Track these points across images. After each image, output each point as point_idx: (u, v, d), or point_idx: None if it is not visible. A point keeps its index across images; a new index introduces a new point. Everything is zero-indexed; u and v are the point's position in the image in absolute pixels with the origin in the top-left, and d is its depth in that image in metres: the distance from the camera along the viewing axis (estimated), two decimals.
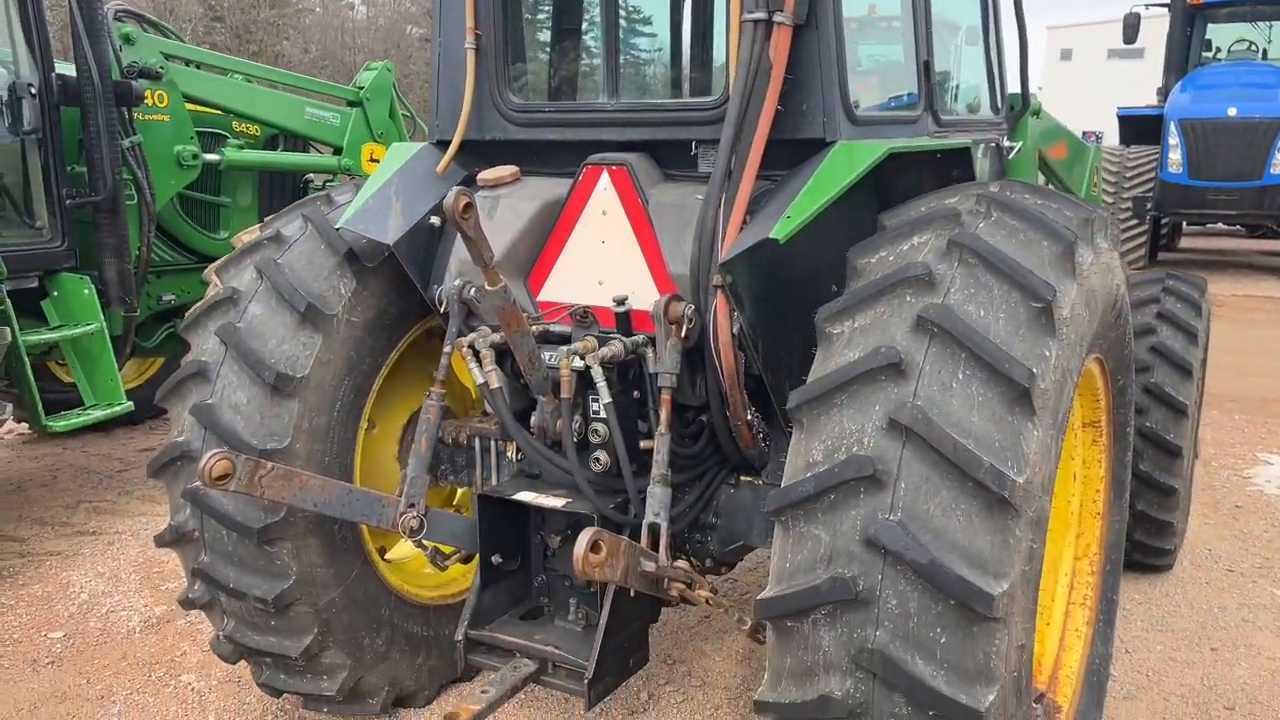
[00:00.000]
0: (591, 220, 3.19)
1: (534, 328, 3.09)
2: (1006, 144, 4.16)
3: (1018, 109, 4.34)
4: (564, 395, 2.91)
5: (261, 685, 3.63)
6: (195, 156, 6.29)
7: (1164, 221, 19.31)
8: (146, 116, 6.02)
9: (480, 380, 3.05)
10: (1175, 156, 17.27)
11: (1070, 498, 3.41)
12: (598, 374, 2.89)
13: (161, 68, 6.03)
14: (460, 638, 3.14)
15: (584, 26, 3.46)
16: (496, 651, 3.14)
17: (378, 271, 3.41)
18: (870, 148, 2.76)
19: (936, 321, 2.34)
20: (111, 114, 5.48)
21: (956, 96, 4.10)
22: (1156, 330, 4.81)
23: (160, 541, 3.44)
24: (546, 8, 3.51)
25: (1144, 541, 4.90)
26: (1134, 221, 18.02)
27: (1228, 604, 4.84)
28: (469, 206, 2.59)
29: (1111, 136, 21.82)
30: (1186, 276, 5.20)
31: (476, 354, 3.07)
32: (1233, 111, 16.13)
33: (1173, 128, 17.17)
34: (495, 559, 3.19)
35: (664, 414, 2.86)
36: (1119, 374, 3.20)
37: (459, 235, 3.27)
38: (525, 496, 3.12)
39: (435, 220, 3.34)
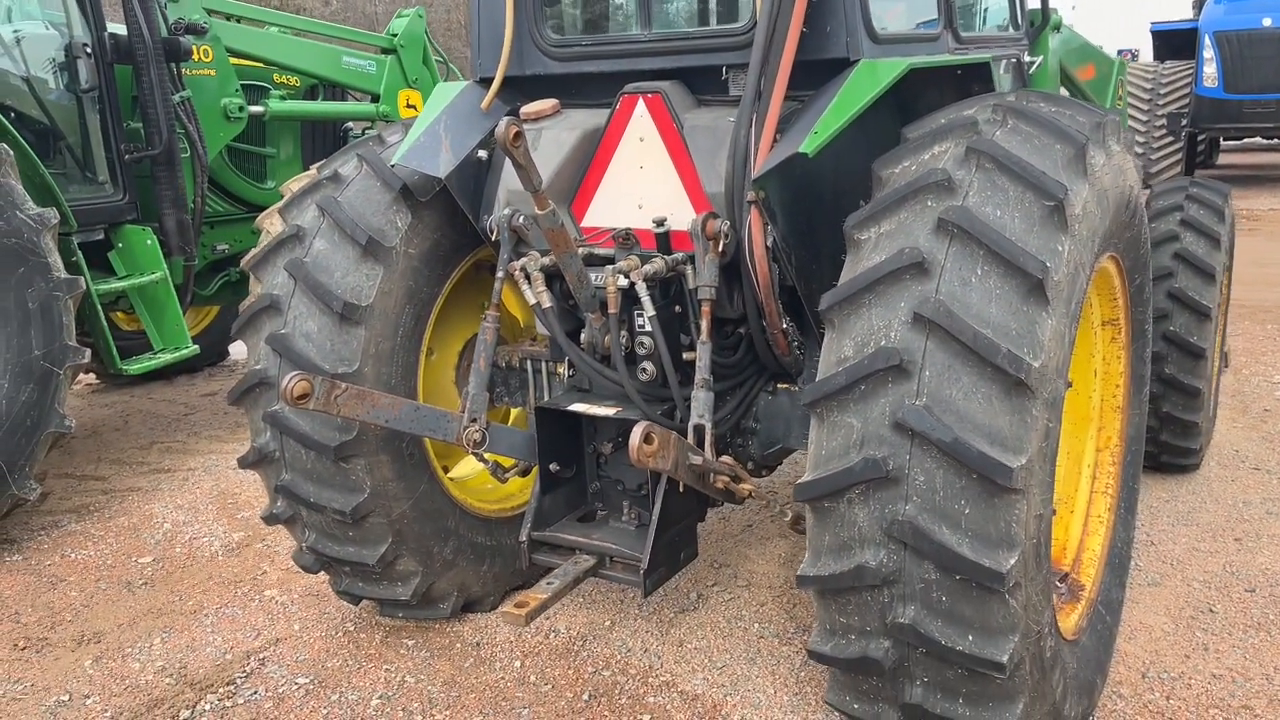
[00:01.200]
0: (630, 146, 3.38)
1: (580, 250, 3.31)
2: (1027, 59, 4.28)
3: (1038, 24, 4.44)
4: (611, 311, 3.14)
5: (340, 593, 3.94)
6: (241, 109, 6.52)
7: (1200, 137, 19.07)
8: (193, 71, 6.25)
9: (532, 300, 3.28)
10: (1210, 70, 17.04)
11: (1092, 393, 3.60)
12: (642, 290, 3.11)
13: (205, 23, 6.24)
14: (524, 538, 3.42)
15: None
16: (558, 550, 3.41)
17: (431, 205, 3.64)
18: (892, 64, 2.92)
19: (956, 222, 2.53)
20: (163, 70, 5.71)
21: (976, 13, 4.22)
22: (1180, 236, 4.94)
23: (243, 463, 3.73)
24: None
25: (1170, 442, 5.08)
26: (1169, 138, 17.84)
27: (1252, 499, 5.02)
28: (519, 135, 2.80)
29: (1147, 53, 21.49)
30: (1210, 183, 5.31)
31: (528, 276, 3.29)
32: (1268, 22, 15.88)
33: (1207, 40, 16.92)
34: (553, 467, 3.45)
35: (705, 325, 3.08)
36: (1135, 273, 3.37)
37: (506, 166, 3.52)
38: (579, 407, 3.37)
39: (483, 154, 3.55)
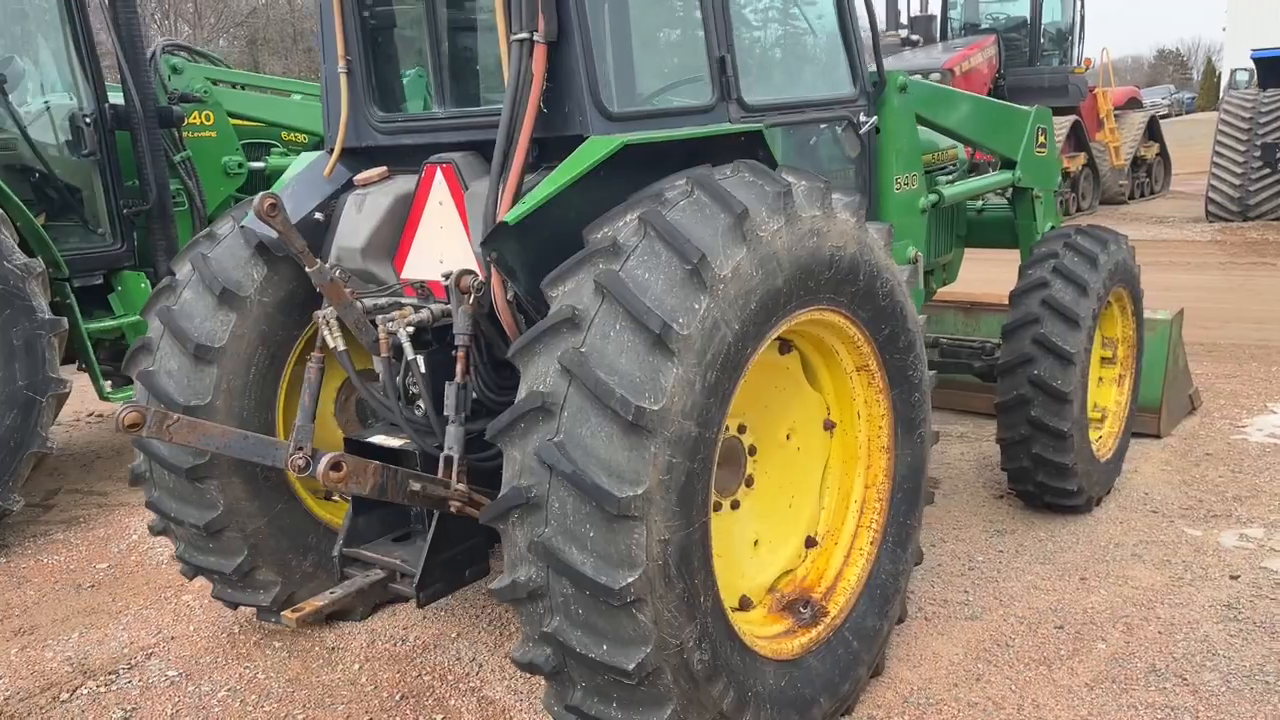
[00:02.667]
0: (432, 210, 3.85)
1: (371, 301, 3.79)
2: (861, 119, 4.56)
3: (875, 86, 4.69)
4: (383, 354, 3.61)
5: (216, 598, 4.50)
6: (240, 165, 7.29)
7: None
8: (195, 134, 7.05)
9: (331, 345, 3.77)
10: None
11: (858, 434, 3.85)
12: (403, 336, 3.56)
13: (205, 92, 7.04)
14: (336, 554, 3.90)
15: (421, 52, 4.10)
16: (361, 564, 3.88)
17: (287, 259, 4.17)
18: (607, 141, 3.30)
19: (604, 284, 2.90)
20: (155, 136, 6.49)
21: (797, 80, 4.55)
22: (1049, 284, 5.09)
23: (130, 482, 4.33)
24: (394, 39, 4.18)
25: (1046, 483, 5.21)
26: (1265, 170, 17.21)
27: (1126, 541, 5.09)
28: (274, 207, 3.31)
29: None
30: (1097, 231, 5.43)
31: (328, 323, 3.79)
32: None
33: None
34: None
35: (458, 367, 3.51)
36: (879, 323, 3.63)
37: (337, 225, 4.05)
38: (376, 439, 3.84)
39: (319, 215, 4.08)
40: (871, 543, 3.83)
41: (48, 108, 6.58)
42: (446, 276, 3.67)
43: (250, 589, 4.34)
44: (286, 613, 3.64)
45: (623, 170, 3.30)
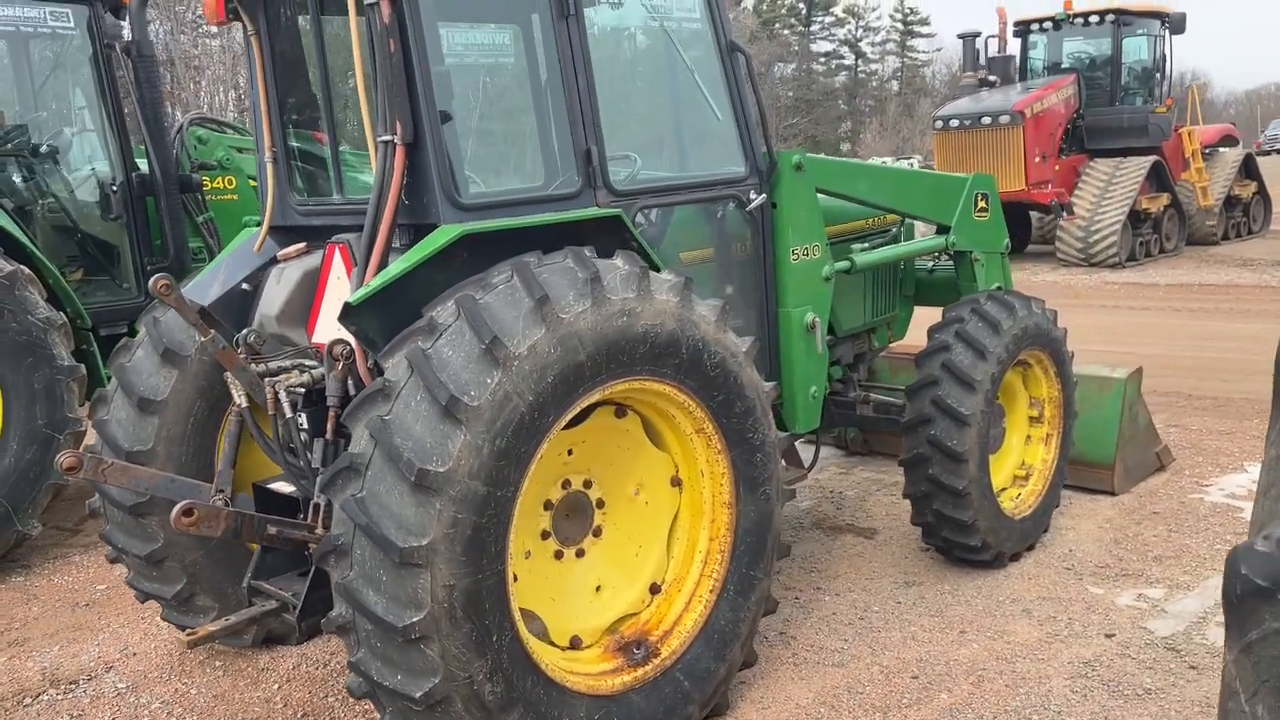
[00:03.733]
0: (332, 284, 4.38)
1: (277, 363, 4.33)
2: (751, 197, 4.93)
3: (768, 165, 5.03)
4: (271, 412, 4.14)
5: (164, 619, 5.08)
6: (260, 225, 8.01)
7: None
8: (219, 197, 7.82)
9: (237, 401, 4.32)
10: None
11: (702, 490, 4.20)
12: (284, 397, 4.08)
13: (228, 160, 7.81)
14: (244, 585, 4.43)
15: (325, 143, 4.65)
16: (264, 595, 4.40)
17: (224, 323, 4.77)
18: (450, 230, 3.77)
19: (411, 360, 3.37)
20: (175, 201, 7.27)
21: (672, 160, 4.94)
22: (950, 347, 5.34)
23: (89, 515, 4.96)
24: (306, 131, 4.75)
25: (950, 538, 5.43)
26: None
27: (1024, 597, 5.26)
28: (166, 286, 3.89)
29: None
30: (1009, 296, 5.64)
31: (234, 385, 4.34)
32: None
33: None
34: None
35: (329, 425, 4.01)
36: (711, 391, 3.99)
37: (261, 293, 4.62)
38: (274, 485, 4.38)
39: (246, 286, 4.66)
40: (712, 591, 4.17)
41: (94, 173, 7.44)
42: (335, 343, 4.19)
43: (191, 613, 4.91)
44: (182, 635, 4.20)
45: (490, 249, 3.78)
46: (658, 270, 4.21)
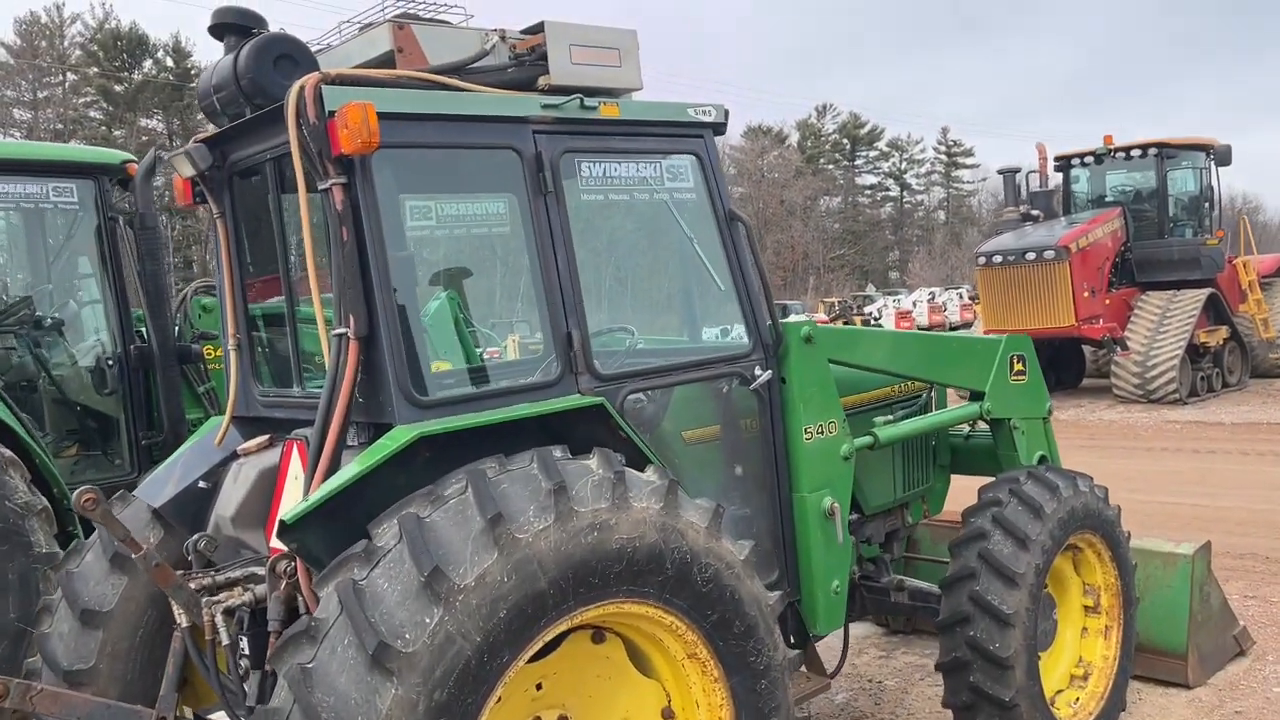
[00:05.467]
0: (290, 483, 3.99)
1: (225, 575, 3.90)
2: (756, 373, 4.49)
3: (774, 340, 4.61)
4: (208, 637, 3.69)
5: None
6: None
7: None
8: (221, 365, 7.56)
9: (178, 619, 3.88)
10: None
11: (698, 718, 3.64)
12: (220, 621, 3.64)
13: None
14: None
15: (286, 335, 4.32)
16: None
17: (179, 526, 4.37)
18: (400, 434, 3.37)
19: (340, 596, 2.92)
20: (173, 374, 7.01)
21: (668, 339, 4.54)
22: (987, 535, 4.78)
23: None
24: (264, 322, 4.44)
25: None
26: None
27: None
28: (91, 500, 3.50)
29: None
30: (1052, 474, 5.07)
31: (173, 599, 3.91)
32: None
33: None
34: None
35: (268, 653, 3.54)
36: (704, 609, 3.48)
37: (219, 494, 4.23)
38: (212, 717, 3.89)
39: (203, 484, 4.28)
40: None
41: (97, 345, 7.25)
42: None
43: None
44: None
45: (459, 446, 3.37)
46: (650, 461, 3.77)
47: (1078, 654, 5.28)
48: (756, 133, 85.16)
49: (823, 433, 4.71)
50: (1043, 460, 5.85)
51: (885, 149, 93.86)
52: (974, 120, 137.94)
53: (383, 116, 3.42)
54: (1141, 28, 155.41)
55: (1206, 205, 20.61)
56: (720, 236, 4.50)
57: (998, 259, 18.99)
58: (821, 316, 42.58)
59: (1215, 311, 19.43)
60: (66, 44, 61.80)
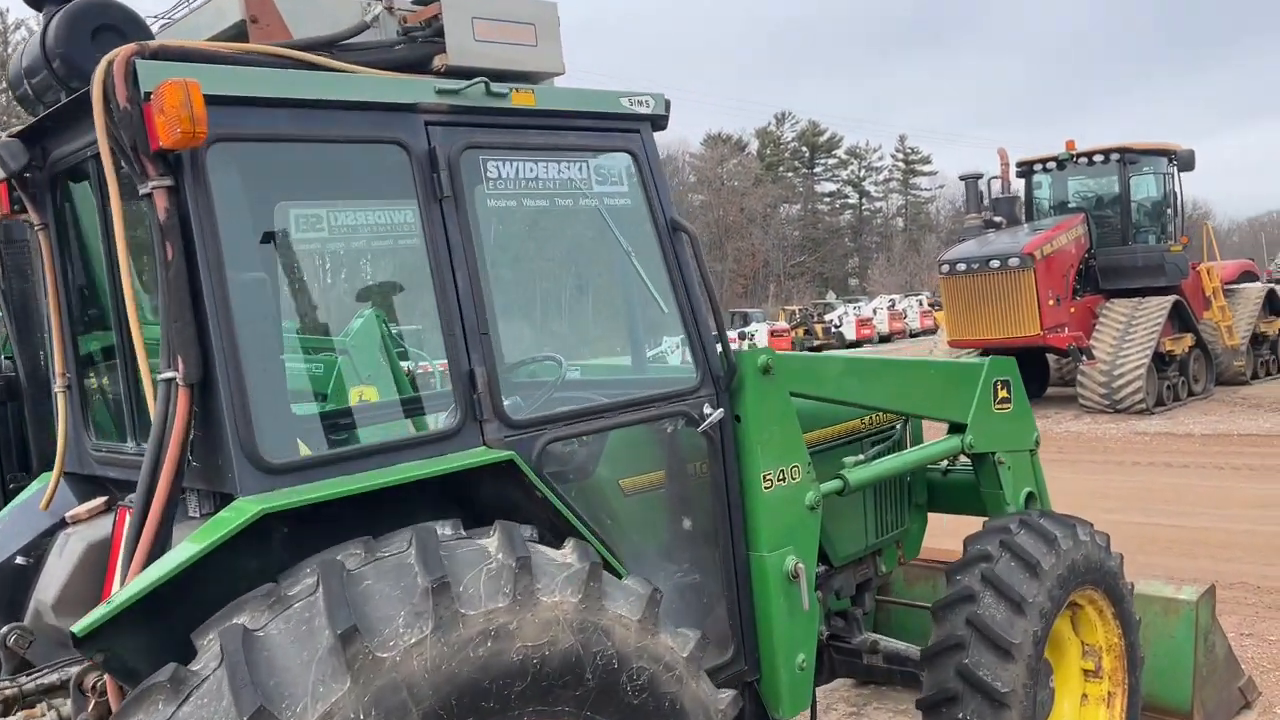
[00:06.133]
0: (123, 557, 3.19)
1: (34, 682, 3.10)
2: (705, 411, 3.76)
3: (727, 372, 3.88)
4: None
5: None
6: None
7: None
8: None
9: None
10: None
11: None
12: None
13: None
14: None
15: (120, 380, 3.53)
16: None
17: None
18: (241, 509, 2.60)
19: None
20: (44, 407, 6.15)
21: (594, 377, 3.79)
22: (976, 597, 4.08)
23: None
24: (100, 358, 3.65)
25: None
26: None
27: None
28: None
29: None
30: (1048, 523, 4.39)
31: None
32: None
33: None
34: None
35: None
36: None
37: (40, 576, 3.42)
38: None
39: (21, 560, 3.47)
40: None
41: None
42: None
43: None
44: None
45: (333, 521, 2.61)
46: (571, 533, 3.03)
47: None
48: (716, 140, 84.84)
49: (784, 479, 3.99)
50: (1030, 498, 5.18)
51: (844, 157, 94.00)
52: (932, 129, 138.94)
53: (215, 100, 2.66)
54: (1094, 40, 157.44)
55: (1169, 211, 20.30)
56: (661, 249, 3.77)
57: (961, 267, 18.49)
58: (782, 324, 41.92)
59: (1180, 319, 19.08)
60: None
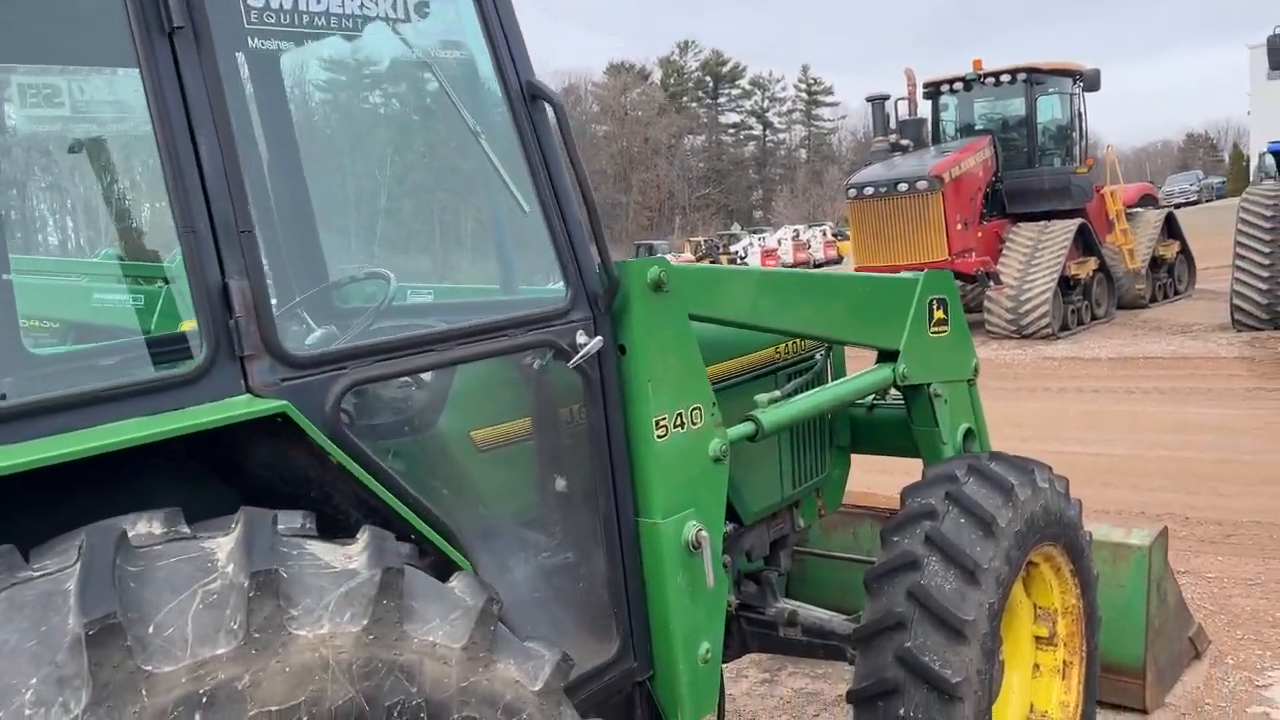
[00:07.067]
0: None
1: None
2: (579, 341, 2.86)
3: (606, 288, 2.98)
4: None
5: None
6: None
7: None
8: None
9: None
10: None
11: None
12: None
13: None
14: None
15: None
16: None
17: None
18: None
19: None
20: None
21: (427, 295, 2.86)
22: (920, 565, 3.30)
23: None
24: None
25: None
26: None
27: None
28: None
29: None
30: (1001, 469, 3.62)
31: None
32: None
33: None
34: None
35: None
36: None
37: None
38: None
39: None
40: None
41: None
42: None
43: None
44: None
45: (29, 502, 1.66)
46: (385, 514, 2.14)
47: (1028, 703, 3.91)
48: (619, 69, 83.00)
49: (682, 425, 3.13)
50: (969, 436, 4.44)
51: (747, 87, 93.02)
52: (834, 60, 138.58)
53: None
54: None
55: (1075, 135, 19.97)
56: (516, 125, 2.82)
57: (869, 191, 17.87)
58: (688, 256, 41.16)
59: (1085, 243, 18.82)
60: None
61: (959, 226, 17.51)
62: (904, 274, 4.28)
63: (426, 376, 2.83)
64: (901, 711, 3.13)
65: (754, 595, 4.12)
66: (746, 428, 3.45)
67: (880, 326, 4.06)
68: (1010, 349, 16.86)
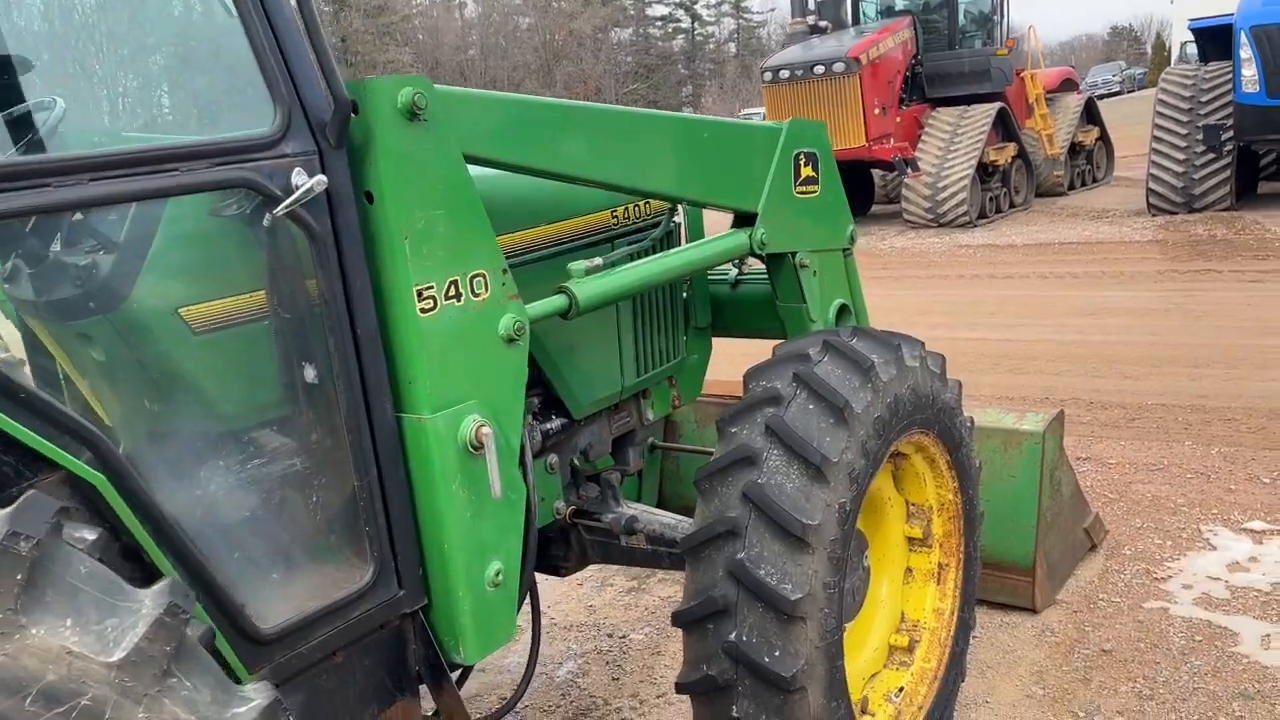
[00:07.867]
0: None
1: None
2: (295, 182, 2.18)
3: (334, 110, 2.29)
4: None
5: None
6: None
7: (1265, 153, 16.15)
8: None
9: None
10: (1249, 73, 14.21)
11: None
12: None
13: None
14: None
15: None
16: None
17: None
18: None
19: None
20: None
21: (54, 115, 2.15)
22: (756, 460, 2.73)
23: None
24: None
25: None
26: (1209, 156, 15.01)
27: None
28: None
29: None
30: (859, 345, 3.05)
31: None
32: None
33: (1244, 38, 14.14)
34: None
35: None
36: None
37: None
38: None
39: None
40: None
41: None
42: None
43: None
44: None
45: None
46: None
47: (898, 612, 3.43)
48: None
49: (458, 295, 2.49)
50: (843, 313, 3.88)
51: None
52: None
53: None
54: None
55: (996, 16, 19.30)
56: None
57: (784, 74, 17.08)
58: None
59: (1004, 128, 18.33)
60: None
61: (876, 111, 16.87)
62: (766, 122, 3.63)
63: (118, 235, 2.18)
64: (732, 635, 2.59)
65: (595, 499, 3.55)
66: (557, 302, 2.81)
67: (732, 183, 3.42)
68: (927, 238, 16.46)
